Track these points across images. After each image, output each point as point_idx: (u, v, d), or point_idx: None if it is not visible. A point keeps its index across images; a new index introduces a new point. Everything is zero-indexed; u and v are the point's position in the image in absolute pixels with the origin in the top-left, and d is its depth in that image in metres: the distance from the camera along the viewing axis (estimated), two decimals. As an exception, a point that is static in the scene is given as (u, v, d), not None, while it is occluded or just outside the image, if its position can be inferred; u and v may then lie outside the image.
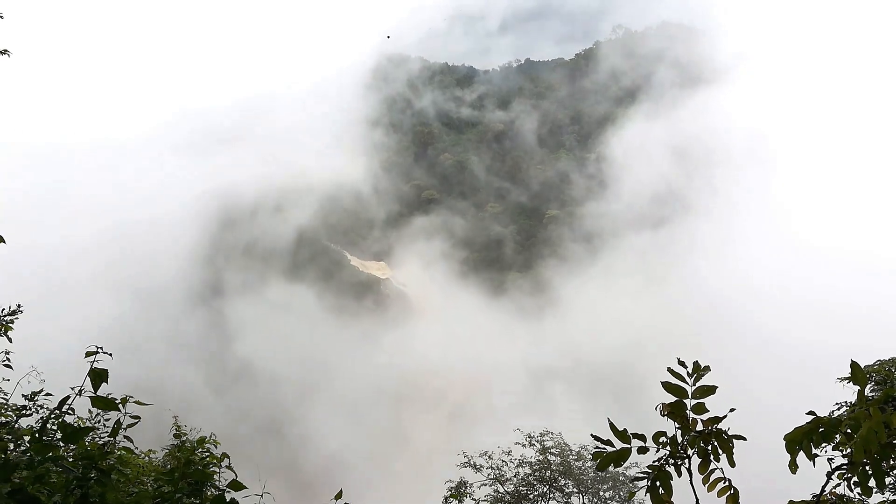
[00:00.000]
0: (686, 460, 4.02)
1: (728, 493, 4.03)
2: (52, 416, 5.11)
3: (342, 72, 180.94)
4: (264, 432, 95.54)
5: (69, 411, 5.14)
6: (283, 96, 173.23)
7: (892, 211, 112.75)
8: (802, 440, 3.74)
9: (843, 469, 3.82)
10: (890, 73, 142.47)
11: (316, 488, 79.23)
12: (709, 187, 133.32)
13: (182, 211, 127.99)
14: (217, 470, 6.09)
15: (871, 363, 14.92)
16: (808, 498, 4.25)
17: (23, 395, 7.53)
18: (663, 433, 4.05)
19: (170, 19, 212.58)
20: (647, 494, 4.04)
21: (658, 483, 4.00)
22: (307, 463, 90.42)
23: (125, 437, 5.49)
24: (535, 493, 29.02)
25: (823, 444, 3.74)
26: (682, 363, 4.15)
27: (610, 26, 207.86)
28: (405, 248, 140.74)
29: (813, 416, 3.79)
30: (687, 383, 4.09)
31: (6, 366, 8.51)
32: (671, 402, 4.07)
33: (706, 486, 4.04)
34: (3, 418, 7.23)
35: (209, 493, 5.84)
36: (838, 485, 3.91)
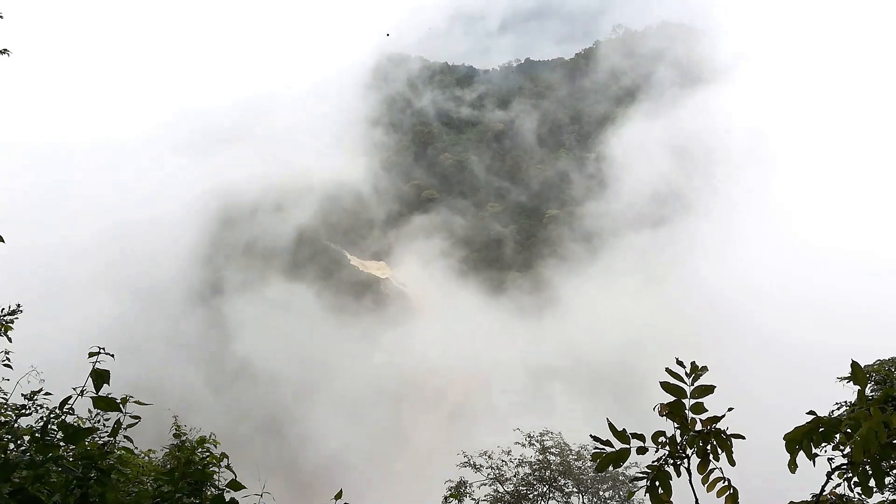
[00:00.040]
0: (685, 460, 4.02)
1: (727, 493, 4.02)
2: (54, 416, 5.12)
3: (342, 72, 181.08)
4: (264, 432, 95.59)
5: (69, 411, 5.15)
6: (283, 96, 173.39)
7: (892, 211, 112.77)
8: (802, 440, 3.74)
9: (844, 469, 3.82)
10: (890, 73, 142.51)
11: (315, 488, 79.28)
12: (709, 187, 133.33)
13: (182, 211, 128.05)
14: (216, 470, 6.10)
15: (870, 363, 14.91)
16: (808, 498, 4.25)
17: (22, 395, 7.54)
18: (662, 433, 4.05)
19: (170, 19, 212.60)
20: (647, 494, 4.03)
21: (657, 483, 3.99)
22: (307, 462, 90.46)
23: (125, 437, 5.49)
24: (535, 493, 29.02)
25: (823, 444, 3.74)
26: (680, 363, 4.14)
27: (610, 26, 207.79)
28: (405, 247, 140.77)
29: (813, 416, 3.79)
30: (685, 383, 4.09)
31: (6, 365, 8.51)
32: (669, 402, 4.07)
33: (705, 486, 4.04)
34: (2, 418, 7.23)
35: (209, 492, 5.85)
36: (838, 485, 3.91)
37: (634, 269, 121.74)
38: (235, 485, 5.31)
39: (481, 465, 29.78)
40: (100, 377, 4.84)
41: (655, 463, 4.02)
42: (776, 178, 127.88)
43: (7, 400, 8.09)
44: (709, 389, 4.08)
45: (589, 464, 28.30)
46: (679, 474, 4.03)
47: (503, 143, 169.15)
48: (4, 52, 11.62)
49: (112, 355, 5.02)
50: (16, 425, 6.27)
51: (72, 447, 5.04)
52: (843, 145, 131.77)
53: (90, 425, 5.54)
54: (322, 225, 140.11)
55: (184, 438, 7.98)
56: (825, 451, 3.83)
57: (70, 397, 5.07)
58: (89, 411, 8.13)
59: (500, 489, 29.35)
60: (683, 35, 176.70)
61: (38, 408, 7.73)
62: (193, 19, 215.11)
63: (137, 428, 5.59)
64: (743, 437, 4.01)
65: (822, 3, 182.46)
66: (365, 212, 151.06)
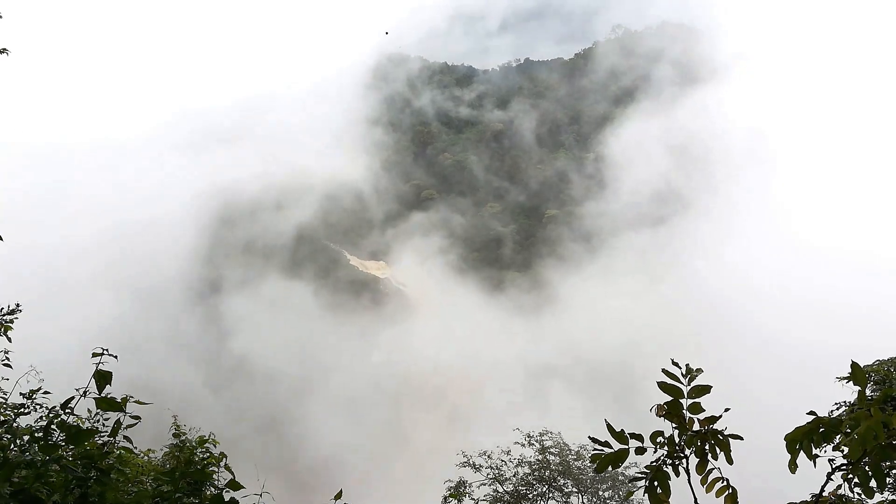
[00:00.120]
0: (683, 460, 4.01)
1: (726, 492, 4.02)
2: (54, 416, 5.12)
3: (342, 71, 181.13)
4: (263, 431, 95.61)
5: (69, 412, 5.15)
6: (283, 96, 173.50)
7: (892, 211, 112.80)
8: (803, 440, 3.73)
9: (844, 469, 3.82)
10: (890, 73, 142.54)
11: (315, 487, 79.30)
12: (708, 187, 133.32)
13: (182, 210, 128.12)
14: (216, 469, 6.10)
15: (870, 363, 14.92)
16: (808, 498, 4.24)
17: (21, 394, 7.54)
18: (661, 433, 4.05)
19: (170, 19, 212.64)
20: (646, 494, 4.03)
21: (656, 483, 3.99)
22: (305, 461, 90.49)
23: (125, 436, 5.50)
24: (535, 493, 29.01)
25: (824, 444, 3.74)
26: (675, 364, 4.14)
27: (609, 26, 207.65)
28: (404, 247, 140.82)
29: (813, 416, 3.79)
30: (682, 383, 4.09)
31: (6, 365, 8.51)
32: (667, 402, 4.07)
33: (704, 486, 4.04)
34: (1, 417, 7.22)
35: (208, 492, 5.85)
36: (839, 486, 3.90)
37: (634, 269, 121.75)
38: (234, 484, 5.31)
39: (481, 465, 29.77)
40: (102, 378, 4.85)
41: (654, 463, 4.01)
42: (776, 178, 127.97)
43: (7, 399, 8.09)
44: (705, 389, 4.08)
45: (588, 464, 28.29)
46: (678, 474, 4.03)
47: (502, 142, 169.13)
48: (4, 51, 11.62)
49: (115, 356, 5.03)
50: (15, 425, 6.27)
51: (71, 447, 5.04)
52: (843, 145, 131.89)
53: (90, 425, 5.55)
54: (321, 224, 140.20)
55: (183, 438, 7.99)
56: (825, 452, 3.83)
57: (73, 398, 5.08)
58: (89, 411, 8.14)
59: (500, 489, 29.35)
60: (683, 35, 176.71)
61: (38, 407, 7.73)
62: (193, 19, 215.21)
63: (137, 427, 5.59)
64: (741, 438, 4.01)
65: (821, 3, 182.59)
66: (364, 211, 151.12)
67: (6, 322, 8.90)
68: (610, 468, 4.10)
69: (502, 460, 29.66)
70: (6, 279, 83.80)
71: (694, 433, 4.02)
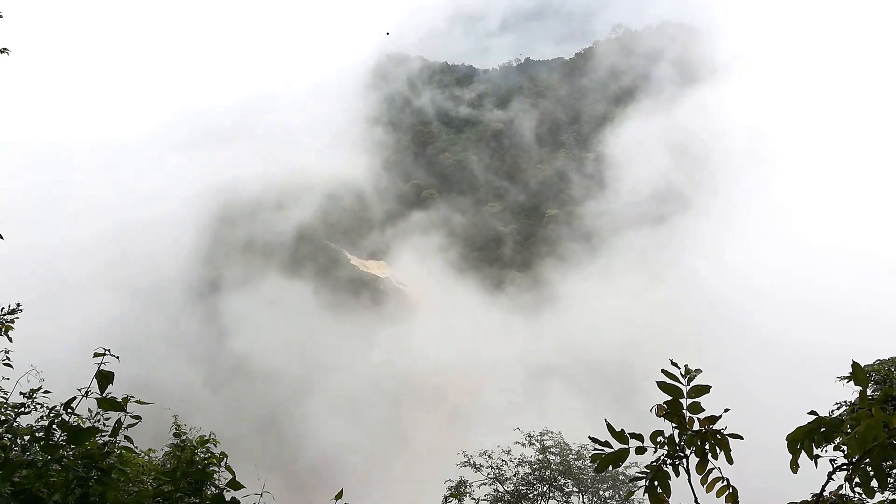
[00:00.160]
0: (684, 460, 4.01)
1: (727, 492, 4.02)
2: (57, 416, 5.13)
3: (342, 71, 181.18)
4: (263, 430, 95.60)
5: (70, 412, 5.16)
6: (283, 96, 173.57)
7: (892, 211, 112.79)
8: (804, 440, 3.74)
9: (845, 468, 3.82)
10: (890, 72, 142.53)
11: (315, 486, 79.30)
12: (708, 187, 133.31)
13: (182, 210, 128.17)
14: (216, 469, 6.10)
15: (870, 363, 14.91)
16: (809, 498, 4.24)
17: (21, 394, 7.54)
18: (661, 433, 4.05)
19: (170, 19, 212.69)
20: (646, 494, 4.03)
21: (656, 483, 3.99)
22: (305, 461, 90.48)
23: (125, 436, 5.50)
24: (535, 493, 29.02)
25: (824, 445, 3.74)
26: (675, 364, 4.14)
27: (609, 26, 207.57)
28: (404, 247, 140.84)
29: (815, 416, 3.79)
30: (681, 383, 4.09)
31: (6, 365, 8.52)
32: (667, 401, 4.07)
33: (704, 486, 4.04)
34: (1, 416, 7.23)
35: (209, 492, 5.85)
36: (841, 486, 3.90)
37: (634, 269, 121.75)
38: (235, 484, 5.32)
39: (481, 465, 29.79)
40: (105, 378, 4.86)
41: (654, 463, 4.02)
42: (776, 178, 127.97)
43: (7, 399, 8.09)
44: (705, 389, 4.08)
45: (589, 463, 28.29)
46: (678, 474, 4.03)
47: (502, 142, 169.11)
48: (4, 51, 11.62)
49: (117, 357, 5.04)
50: (16, 424, 6.27)
51: (72, 446, 5.05)
52: (843, 145, 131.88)
53: (90, 425, 5.55)
54: (322, 224, 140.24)
55: (184, 438, 7.99)
56: (826, 452, 3.83)
57: (75, 398, 5.08)
58: (89, 410, 8.15)
59: (500, 489, 29.36)
60: (683, 35, 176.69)
61: (38, 406, 7.73)
62: (193, 19, 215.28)
63: (137, 427, 5.60)
64: (741, 437, 4.01)
65: (821, 3, 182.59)
66: (364, 211, 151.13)
67: (7, 322, 8.91)
68: (610, 468, 4.11)
69: (503, 460, 29.69)
70: (6, 279, 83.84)
71: (694, 433, 4.02)
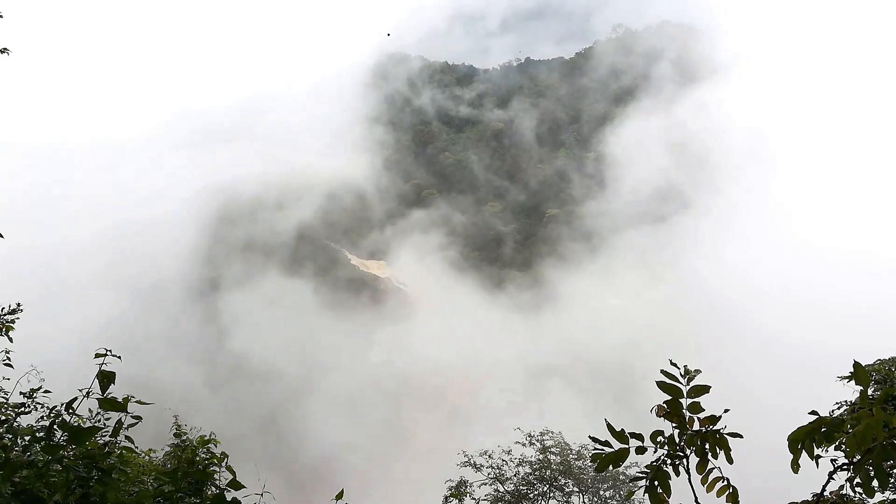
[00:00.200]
0: (684, 460, 4.02)
1: (727, 492, 4.03)
2: (57, 416, 5.13)
3: (342, 71, 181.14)
4: (263, 430, 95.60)
5: (70, 412, 5.16)
6: (283, 96, 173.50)
7: (892, 211, 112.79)
8: (805, 440, 3.74)
9: (846, 468, 3.82)
10: (890, 72, 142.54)
11: (315, 486, 79.28)
12: (708, 186, 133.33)
13: (182, 210, 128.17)
14: (217, 469, 6.11)
15: (871, 363, 14.91)
16: (809, 498, 4.25)
17: (21, 393, 7.55)
18: (661, 432, 4.05)
19: (170, 19, 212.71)
20: (647, 494, 4.03)
21: (656, 483, 4.00)
22: (305, 461, 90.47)
23: (126, 437, 5.50)
24: (536, 493, 29.03)
25: (825, 445, 3.74)
26: (674, 364, 4.15)
27: (610, 25, 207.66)
28: (405, 246, 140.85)
29: (816, 416, 3.79)
30: (681, 383, 4.09)
31: (7, 365, 8.52)
32: (667, 401, 4.08)
33: (705, 486, 4.04)
34: (1, 416, 7.23)
35: (209, 492, 5.86)
36: (842, 486, 3.91)
37: (634, 269, 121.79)
38: (235, 484, 5.32)
39: (481, 465, 29.80)
40: (106, 378, 4.86)
41: (654, 463, 4.02)
42: (776, 178, 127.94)
43: (7, 399, 8.10)
44: (704, 389, 4.08)
45: (589, 463, 28.30)
46: (678, 474, 4.03)
47: (503, 142, 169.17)
48: (4, 51, 11.62)
49: (119, 357, 5.04)
50: (16, 424, 6.28)
51: (72, 446, 5.05)
52: (843, 145, 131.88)
53: (91, 425, 5.56)
54: (322, 224, 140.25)
55: (184, 438, 7.99)
56: (827, 452, 3.83)
57: (76, 398, 5.09)
58: (90, 410, 8.15)
59: (501, 489, 29.37)
60: (683, 34, 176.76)
61: (38, 406, 7.73)
62: (193, 19, 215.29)
63: (137, 427, 5.60)
64: (741, 436, 4.01)
65: (821, 3, 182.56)
66: (365, 211, 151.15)
67: (7, 322, 8.92)
68: (610, 467, 4.11)
69: (503, 460, 29.69)
70: (6, 279, 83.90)
71: (694, 433, 4.02)
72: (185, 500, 5.51)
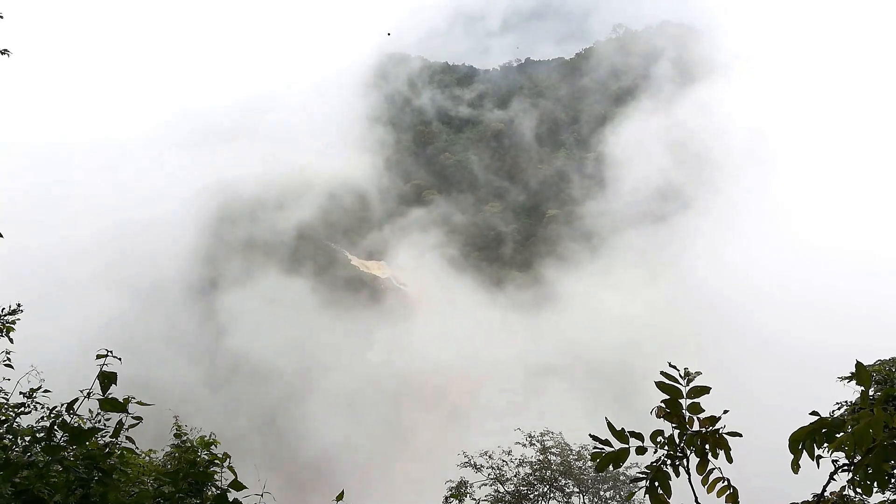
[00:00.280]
0: (684, 460, 4.02)
1: (727, 492, 4.03)
2: (58, 417, 5.13)
3: (342, 71, 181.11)
4: (262, 429, 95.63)
5: (70, 412, 5.16)
6: (283, 96, 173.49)
7: (892, 211, 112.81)
8: (805, 440, 3.74)
9: (846, 469, 3.82)
10: (890, 72, 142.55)
11: (314, 485, 79.29)
12: (708, 186, 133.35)
13: (182, 210, 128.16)
14: (217, 470, 6.11)
15: (871, 363, 14.91)
16: (809, 498, 4.25)
17: (21, 393, 7.55)
18: (661, 432, 4.05)
19: (170, 19, 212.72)
20: (647, 495, 4.03)
21: (657, 483, 4.00)
22: (305, 461, 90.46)
23: (127, 437, 5.50)
24: (536, 493, 29.03)
25: (826, 445, 3.74)
26: (673, 366, 4.15)
27: (610, 26, 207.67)
28: (405, 246, 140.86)
29: (817, 417, 3.79)
30: (680, 384, 4.09)
31: (7, 365, 8.52)
32: (666, 400, 4.08)
33: (705, 486, 4.04)
34: (1, 416, 7.23)
35: (209, 492, 5.86)
36: (844, 487, 3.90)
37: (634, 269, 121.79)
38: (237, 485, 5.32)
39: (482, 465, 29.80)
40: (108, 379, 4.86)
41: (654, 463, 4.02)
42: (776, 178, 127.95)
43: (7, 399, 8.10)
44: (704, 390, 4.08)
45: (589, 464, 28.30)
46: (678, 474, 4.03)
47: (503, 142, 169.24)
48: (4, 52, 11.63)
49: (119, 359, 5.04)
50: (16, 425, 6.28)
51: (73, 447, 5.05)
52: (843, 145, 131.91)
53: (91, 425, 5.56)
54: (322, 224, 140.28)
55: (184, 438, 7.99)
56: (828, 453, 3.83)
57: (77, 399, 5.09)
58: (90, 411, 8.15)
59: (501, 489, 29.37)
60: (683, 34, 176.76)
61: (38, 406, 7.73)
62: (193, 19, 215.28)
63: (137, 427, 5.60)
64: (740, 436, 4.01)
65: (822, 3, 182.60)
66: (365, 211, 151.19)
67: (8, 323, 8.92)
68: (611, 467, 4.11)
69: (503, 460, 29.68)
70: (6, 279, 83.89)
71: (694, 433, 4.02)
72: (185, 501, 5.51)
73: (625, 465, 4.09)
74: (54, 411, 5.30)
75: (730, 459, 4.01)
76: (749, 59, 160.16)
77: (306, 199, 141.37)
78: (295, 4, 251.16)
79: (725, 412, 4.16)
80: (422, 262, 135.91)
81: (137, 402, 5.54)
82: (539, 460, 29.03)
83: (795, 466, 3.78)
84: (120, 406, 4.95)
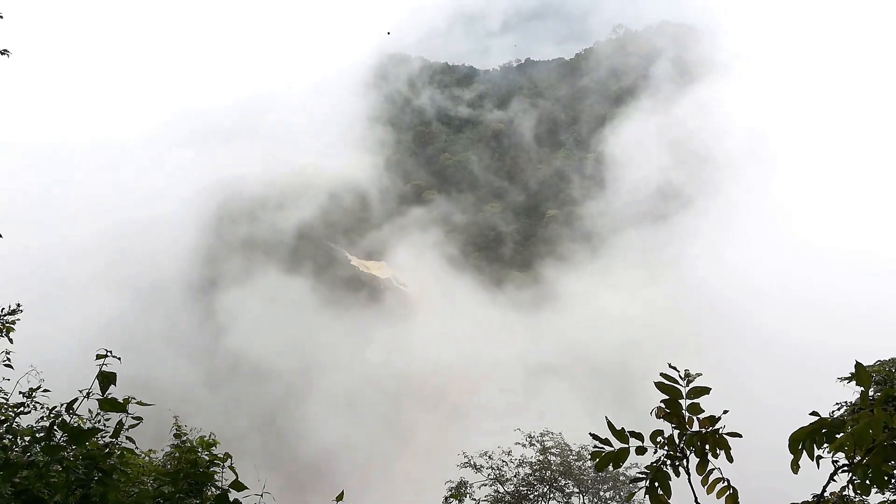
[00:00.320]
0: (684, 460, 4.01)
1: (727, 493, 4.02)
2: (57, 417, 5.13)
3: (343, 71, 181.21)
4: (262, 429, 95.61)
5: (70, 412, 5.16)
6: (283, 96, 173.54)
7: (892, 211, 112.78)
8: (805, 440, 3.73)
9: (846, 469, 3.82)
10: (890, 72, 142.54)
11: (314, 486, 79.28)
12: (708, 186, 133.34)
13: (182, 210, 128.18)
14: (217, 470, 6.10)
15: (871, 363, 14.91)
16: (809, 498, 4.25)
17: (20, 393, 7.54)
18: (660, 432, 4.05)
19: (170, 19, 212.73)
20: (647, 495, 4.03)
21: (656, 483, 3.99)
22: (305, 460, 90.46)
23: (127, 437, 5.50)
24: (536, 494, 29.03)
25: (825, 445, 3.73)
26: (673, 367, 4.14)
27: (609, 26, 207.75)
28: (405, 246, 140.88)
29: (817, 417, 3.79)
30: (680, 384, 4.09)
31: (7, 365, 8.52)
32: (665, 400, 4.07)
33: (705, 487, 4.04)
34: (1, 416, 7.23)
35: (209, 492, 5.86)
36: (844, 487, 3.90)
37: (634, 269, 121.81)
38: (238, 485, 5.32)
39: (482, 466, 29.80)
40: (107, 379, 4.86)
41: (654, 463, 4.02)
42: (776, 178, 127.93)
43: (7, 399, 8.10)
44: (704, 390, 4.07)
45: (589, 464, 28.31)
46: (678, 475, 4.03)
47: (502, 142, 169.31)
48: (4, 52, 11.63)
49: (119, 359, 5.04)
50: (16, 425, 6.28)
51: (73, 447, 5.05)
52: (843, 145, 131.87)
53: (91, 426, 5.56)
54: (322, 224, 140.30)
55: (184, 438, 7.98)
56: (828, 453, 3.83)
57: (76, 399, 5.09)
58: (90, 411, 8.16)
59: (501, 489, 29.37)
60: (683, 34, 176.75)
61: (38, 406, 7.73)
62: (193, 19, 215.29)
63: (137, 427, 5.59)
64: (740, 436, 4.01)
65: (821, 4, 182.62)
66: (365, 211, 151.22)
67: (8, 323, 8.91)
68: (611, 467, 4.11)
69: (503, 461, 29.68)
70: (6, 279, 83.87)
71: (694, 433, 4.02)
72: (185, 501, 5.51)
73: (625, 465, 4.09)
74: (54, 411, 5.29)
75: (730, 459, 4.01)
76: (749, 59, 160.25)
77: (306, 199, 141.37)
78: (295, 4, 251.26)
79: (725, 412, 4.16)
80: (421, 261, 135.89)
81: (137, 403, 5.54)
82: (539, 461, 29.03)
83: (795, 466, 3.78)
84: (120, 406, 4.95)
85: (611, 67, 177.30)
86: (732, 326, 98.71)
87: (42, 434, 5.11)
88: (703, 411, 4.06)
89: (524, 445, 29.71)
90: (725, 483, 4.02)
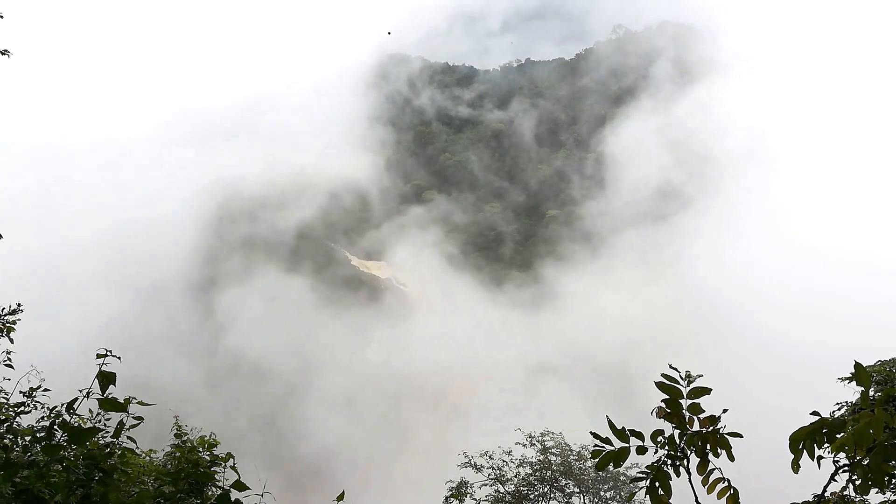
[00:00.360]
0: (684, 460, 4.02)
1: (728, 493, 4.03)
2: (58, 417, 5.13)
3: (343, 71, 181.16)
4: (262, 429, 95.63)
5: (70, 412, 5.16)
6: (283, 96, 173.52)
7: (892, 211, 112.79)
8: (806, 440, 3.74)
9: (847, 469, 3.82)
10: (890, 72, 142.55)
11: (314, 486, 79.31)
12: (708, 186, 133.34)
13: (182, 210, 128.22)
14: (218, 470, 6.11)
15: (871, 363, 14.91)
16: (810, 498, 4.25)
17: (21, 392, 7.55)
18: (661, 432, 4.05)
19: (170, 19, 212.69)
20: (647, 495, 4.04)
21: (657, 483, 4.00)
22: (304, 460, 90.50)
23: (128, 437, 5.50)
24: (536, 494, 29.04)
25: (826, 445, 3.74)
26: (673, 367, 4.15)
27: (610, 26, 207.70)
28: (405, 246, 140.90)
29: (817, 417, 3.79)
30: (681, 384, 4.09)
31: (7, 365, 8.52)
32: (666, 400, 4.08)
33: (705, 487, 4.04)
34: (1, 416, 7.23)
35: (210, 492, 5.86)
36: (845, 488, 3.90)
37: (634, 269, 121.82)
38: (240, 486, 5.32)
39: (482, 466, 29.80)
40: (106, 379, 4.86)
41: (655, 463, 4.02)
42: (776, 178, 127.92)
43: (8, 399, 8.10)
44: (705, 391, 4.08)
45: (590, 464, 28.32)
46: (678, 474, 4.03)
47: (502, 142, 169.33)
48: (5, 52, 11.63)
49: (119, 358, 5.04)
50: (16, 425, 6.28)
51: (73, 447, 5.05)
52: (843, 145, 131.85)
53: (91, 425, 5.56)
54: (322, 224, 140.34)
55: (185, 438, 7.99)
56: (829, 453, 3.83)
57: (76, 399, 5.09)
58: (90, 411, 8.16)
59: (501, 489, 29.37)
60: (683, 34, 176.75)
61: (38, 406, 7.73)
62: (193, 19, 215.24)
63: (138, 427, 5.59)
64: (741, 436, 4.01)
65: (821, 4, 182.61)
66: (365, 210, 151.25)
67: (8, 323, 8.92)
68: (611, 467, 4.11)
69: (503, 461, 29.68)
70: (6, 279, 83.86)
71: (694, 433, 4.03)
72: (185, 501, 5.51)
73: (625, 465, 4.10)
74: (54, 411, 5.29)
75: (731, 458, 4.01)
76: (749, 59, 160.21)
77: (306, 199, 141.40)
78: (295, 4, 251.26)
79: (725, 411, 4.16)
80: (421, 261, 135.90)
81: (138, 402, 5.54)
82: (539, 460, 29.03)
83: (795, 466, 3.78)
84: (120, 406, 4.95)
85: (611, 67, 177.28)
86: (732, 326, 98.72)
87: (43, 434, 5.11)
88: (704, 411, 4.06)
89: (524, 445, 29.72)
90: (726, 483, 4.02)
